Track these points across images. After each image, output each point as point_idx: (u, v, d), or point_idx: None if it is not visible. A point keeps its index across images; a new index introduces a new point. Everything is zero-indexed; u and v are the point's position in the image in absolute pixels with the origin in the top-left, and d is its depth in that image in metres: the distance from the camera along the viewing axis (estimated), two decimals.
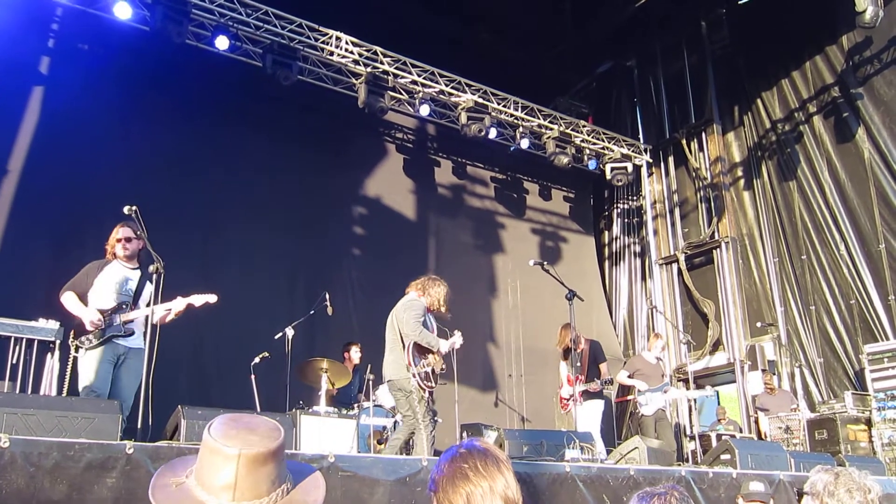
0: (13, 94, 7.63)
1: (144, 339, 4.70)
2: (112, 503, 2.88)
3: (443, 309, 5.62)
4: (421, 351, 5.36)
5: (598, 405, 7.37)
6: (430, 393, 5.41)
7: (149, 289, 4.79)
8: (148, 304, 4.72)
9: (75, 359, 4.49)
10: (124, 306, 4.72)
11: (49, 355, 4.32)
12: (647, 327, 11.82)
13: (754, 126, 11.08)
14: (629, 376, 7.98)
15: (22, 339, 4.25)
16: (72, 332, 4.61)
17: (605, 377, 7.34)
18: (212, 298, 4.79)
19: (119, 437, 3.33)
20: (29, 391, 4.11)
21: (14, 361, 4.14)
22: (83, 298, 4.68)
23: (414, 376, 5.22)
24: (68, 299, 4.66)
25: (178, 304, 4.70)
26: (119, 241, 4.83)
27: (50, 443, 2.87)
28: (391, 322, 5.55)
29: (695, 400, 9.47)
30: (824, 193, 9.84)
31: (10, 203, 7.33)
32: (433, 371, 5.40)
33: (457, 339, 5.69)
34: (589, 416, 7.22)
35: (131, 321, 4.71)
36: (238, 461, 1.39)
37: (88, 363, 4.54)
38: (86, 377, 4.51)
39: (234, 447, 1.39)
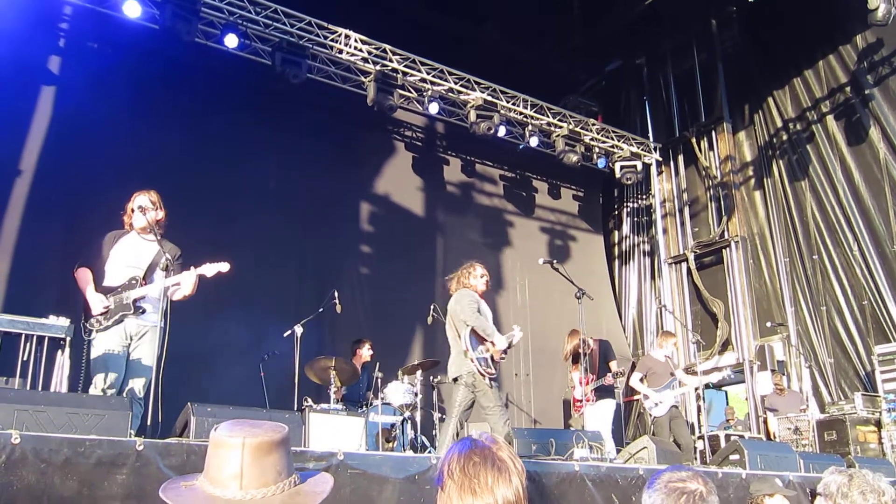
0: (24, 95, 7.66)
1: (163, 318, 4.45)
2: (122, 499, 2.89)
3: (486, 286, 5.65)
4: (477, 339, 5.34)
5: (609, 405, 7.34)
6: (493, 379, 5.31)
7: (163, 262, 4.56)
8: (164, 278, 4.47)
9: (88, 342, 4.27)
10: (134, 281, 4.43)
11: (60, 352, 4.32)
12: (656, 326, 11.77)
13: (765, 125, 11.00)
14: (642, 378, 7.83)
15: (33, 336, 4.26)
16: (82, 315, 4.36)
17: (617, 370, 7.30)
18: (224, 267, 4.48)
19: (129, 434, 3.35)
20: (40, 388, 4.12)
21: (25, 358, 4.16)
22: (99, 272, 4.46)
23: (472, 361, 5.18)
24: (81, 276, 4.44)
25: (189, 277, 4.37)
26: (133, 210, 4.59)
27: (60, 439, 2.88)
28: (448, 322, 5.56)
29: (703, 399, 9.42)
30: (837, 193, 9.75)
31: (23, 203, 7.35)
32: (491, 358, 5.35)
33: (515, 334, 5.62)
34: (600, 416, 7.20)
35: (142, 297, 4.41)
36: (243, 449, 1.42)
37: (100, 347, 4.30)
38: (98, 362, 4.29)
39: (238, 436, 1.44)
